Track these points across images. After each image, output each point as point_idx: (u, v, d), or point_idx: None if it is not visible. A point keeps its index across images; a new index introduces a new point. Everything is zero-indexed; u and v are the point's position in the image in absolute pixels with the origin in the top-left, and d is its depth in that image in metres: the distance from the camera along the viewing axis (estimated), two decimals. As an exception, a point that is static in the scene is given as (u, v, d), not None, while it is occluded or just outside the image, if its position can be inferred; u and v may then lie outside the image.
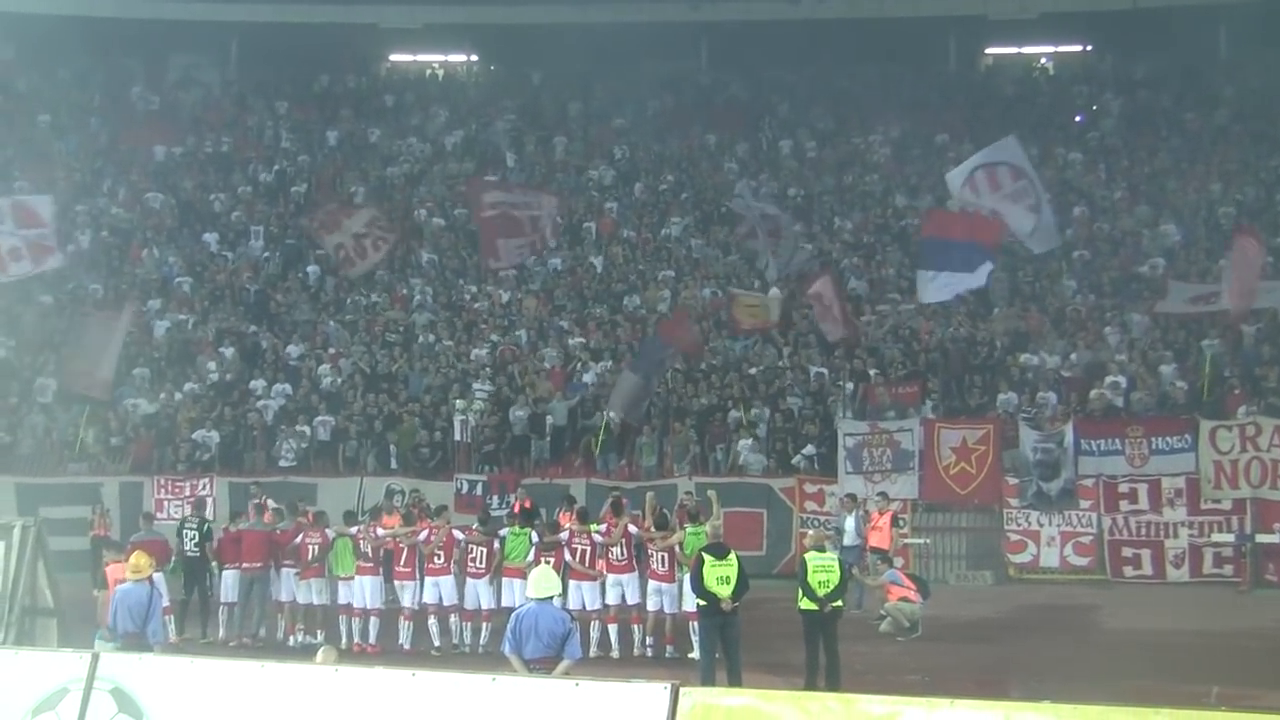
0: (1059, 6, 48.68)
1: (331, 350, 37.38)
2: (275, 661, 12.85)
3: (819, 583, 19.49)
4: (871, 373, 34.75)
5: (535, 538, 23.00)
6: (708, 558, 19.36)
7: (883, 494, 29.04)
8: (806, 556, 19.98)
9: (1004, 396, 33.51)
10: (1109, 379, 33.29)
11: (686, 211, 43.61)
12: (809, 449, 32.65)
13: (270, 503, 26.22)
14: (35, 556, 18.99)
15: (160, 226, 43.86)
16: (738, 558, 19.61)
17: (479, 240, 37.47)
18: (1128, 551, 30.42)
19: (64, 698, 11.97)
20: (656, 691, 10.58)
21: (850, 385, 34.55)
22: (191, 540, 25.20)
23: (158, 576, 21.42)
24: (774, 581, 26.70)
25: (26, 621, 17.18)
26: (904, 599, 24.46)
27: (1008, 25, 49.84)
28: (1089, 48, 51.66)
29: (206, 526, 25.51)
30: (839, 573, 19.85)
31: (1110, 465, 30.78)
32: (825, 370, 35.21)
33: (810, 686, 18.63)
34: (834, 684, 18.72)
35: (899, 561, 26.60)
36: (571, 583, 22.44)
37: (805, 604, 19.54)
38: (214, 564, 24.93)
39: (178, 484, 32.46)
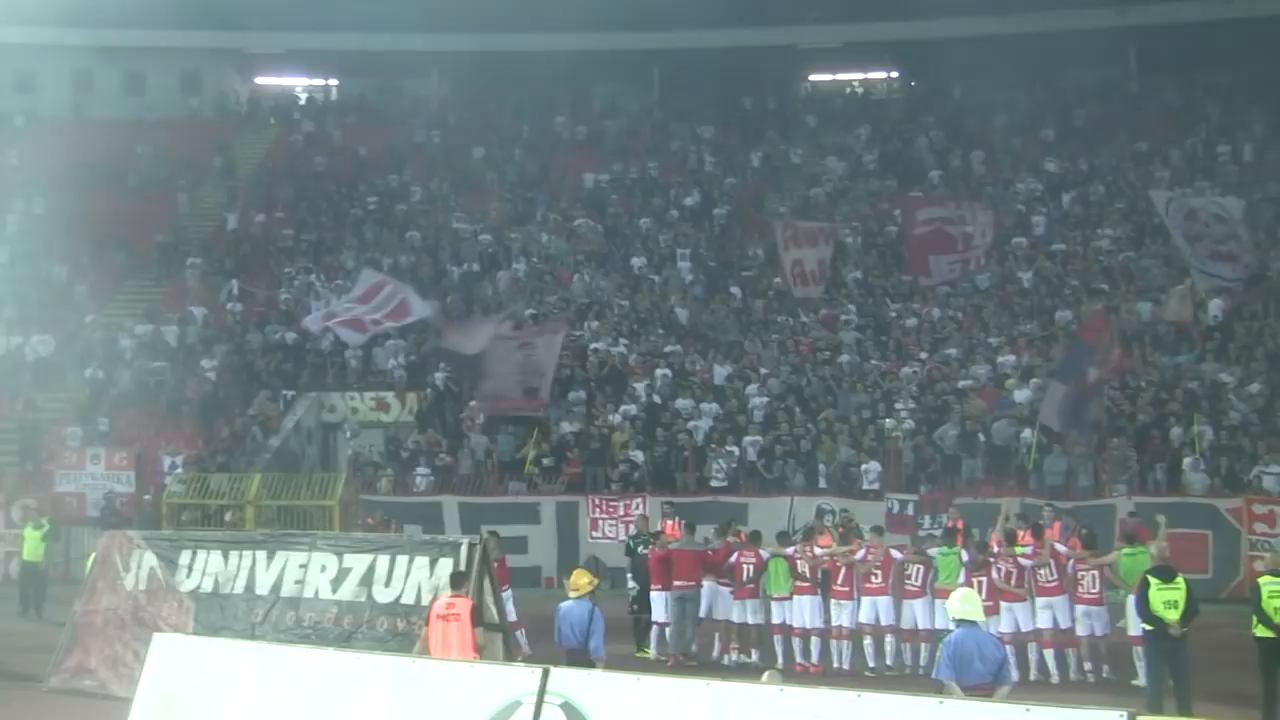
0: None
1: (763, 371, 37.61)
2: (720, 680, 12.90)
3: (1275, 609, 18.40)
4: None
5: (965, 557, 22.61)
6: (1153, 580, 18.63)
7: (1342, 515, 27.39)
8: (1260, 580, 18.89)
9: None
10: None
11: (1118, 223, 42.27)
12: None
13: (682, 521, 26.32)
14: (482, 573, 19.63)
15: (589, 251, 45.17)
16: (1185, 581, 18.81)
17: (908, 258, 37.26)
18: None
19: (516, 710, 12.25)
20: (1112, 719, 10.22)
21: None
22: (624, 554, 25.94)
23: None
24: (1221, 606, 25.55)
25: (478, 635, 17.67)
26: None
27: None
28: None
29: (630, 542, 25.99)
30: (1296, 597, 18.76)
31: None
32: (1265, 386, 33.61)
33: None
34: (1294, 717, 17.73)
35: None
36: (1003, 604, 22.02)
37: (1260, 631, 18.49)
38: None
39: (611, 504, 33.13)
